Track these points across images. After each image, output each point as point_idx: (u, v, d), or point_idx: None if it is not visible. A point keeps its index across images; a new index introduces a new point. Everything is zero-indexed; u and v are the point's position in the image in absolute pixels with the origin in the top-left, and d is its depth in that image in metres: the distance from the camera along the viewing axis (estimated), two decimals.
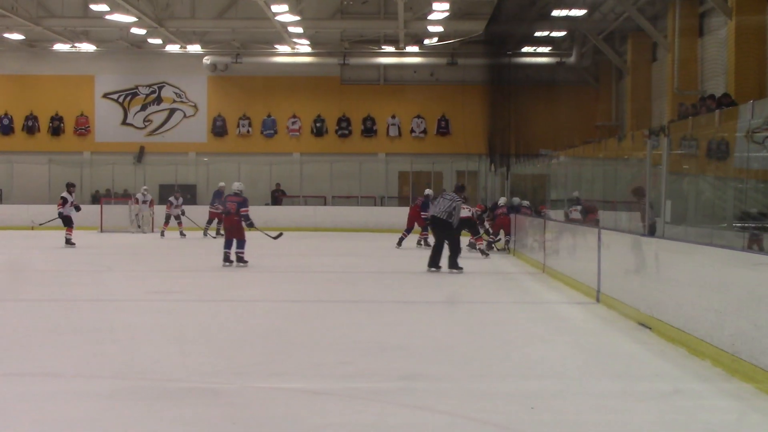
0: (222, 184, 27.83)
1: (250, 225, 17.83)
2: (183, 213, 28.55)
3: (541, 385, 7.44)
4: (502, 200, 24.10)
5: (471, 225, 20.79)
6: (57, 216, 23.97)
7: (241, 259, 17.66)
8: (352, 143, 37.61)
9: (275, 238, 20.16)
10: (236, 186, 18.33)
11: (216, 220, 27.40)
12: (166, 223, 28.86)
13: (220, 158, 37.06)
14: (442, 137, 37.38)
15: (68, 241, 23.34)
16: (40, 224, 24.93)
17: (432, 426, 6.19)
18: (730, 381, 7.44)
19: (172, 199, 28.91)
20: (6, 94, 38.13)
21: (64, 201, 23.73)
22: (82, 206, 25.02)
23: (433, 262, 16.91)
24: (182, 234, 28.33)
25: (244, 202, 17.65)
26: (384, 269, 18.38)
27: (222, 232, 27.25)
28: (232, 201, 17.77)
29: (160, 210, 29.17)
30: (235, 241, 17.67)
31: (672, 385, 7.46)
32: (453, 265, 16.77)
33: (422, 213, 23.25)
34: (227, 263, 17.70)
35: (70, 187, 24.37)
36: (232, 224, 17.69)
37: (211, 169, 37.09)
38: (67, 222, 23.64)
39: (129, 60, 37.70)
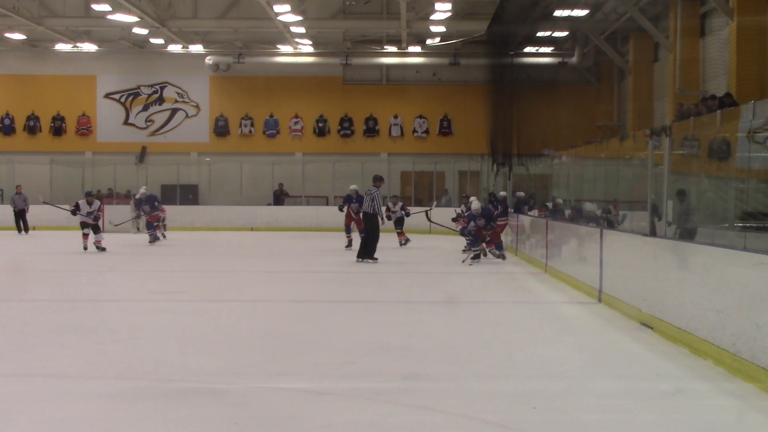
0: (143, 190, 26.65)
1: None
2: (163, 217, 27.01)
3: (542, 385, 7.44)
4: (502, 193, 23.50)
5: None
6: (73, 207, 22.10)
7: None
8: (354, 143, 37.58)
9: None
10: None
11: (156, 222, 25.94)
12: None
13: (222, 158, 37.02)
14: (445, 137, 37.35)
15: (98, 246, 21.66)
16: (44, 202, 24.03)
17: (433, 426, 6.19)
18: (731, 381, 7.44)
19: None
20: (7, 94, 38.08)
21: (76, 207, 21.92)
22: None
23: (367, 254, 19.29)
24: (163, 236, 26.58)
25: None
26: (386, 269, 18.36)
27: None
28: None
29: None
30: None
31: (674, 384, 7.46)
32: (371, 254, 19.32)
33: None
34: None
35: (87, 196, 22.26)
36: None
37: (214, 169, 37.10)
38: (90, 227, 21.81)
39: (131, 60, 37.66)
